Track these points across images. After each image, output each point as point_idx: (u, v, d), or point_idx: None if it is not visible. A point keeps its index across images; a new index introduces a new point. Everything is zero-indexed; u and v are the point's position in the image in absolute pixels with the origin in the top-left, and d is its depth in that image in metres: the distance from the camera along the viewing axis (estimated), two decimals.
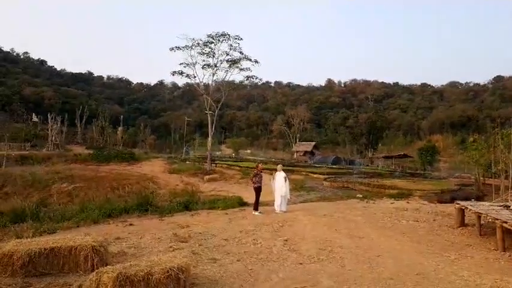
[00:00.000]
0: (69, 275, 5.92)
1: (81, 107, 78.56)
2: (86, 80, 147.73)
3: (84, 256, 6.11)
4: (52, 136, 56.76)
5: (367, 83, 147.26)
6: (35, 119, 70.37)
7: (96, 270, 4.99)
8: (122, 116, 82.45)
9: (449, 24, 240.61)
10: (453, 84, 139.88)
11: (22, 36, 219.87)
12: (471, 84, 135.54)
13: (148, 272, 4.88)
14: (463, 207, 10.77)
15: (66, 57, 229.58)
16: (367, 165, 51.16)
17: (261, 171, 14.55)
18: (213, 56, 35.39)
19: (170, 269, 5.04)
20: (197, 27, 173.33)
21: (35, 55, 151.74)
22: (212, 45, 34.92)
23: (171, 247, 8.04)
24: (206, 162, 35.92)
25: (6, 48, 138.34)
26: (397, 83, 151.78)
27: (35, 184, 27.15)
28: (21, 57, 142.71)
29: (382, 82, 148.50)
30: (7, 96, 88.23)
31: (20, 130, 59.51)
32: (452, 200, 14.80)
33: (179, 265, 5.18)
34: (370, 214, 13.22)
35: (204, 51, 35.12)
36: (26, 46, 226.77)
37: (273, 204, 14.15)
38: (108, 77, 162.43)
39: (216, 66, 35.79)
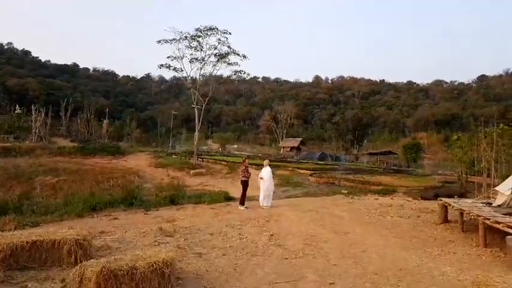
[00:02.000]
0: (51, 268, 5.84)
1: (66, 99, 77.25)
2: (71, 71, 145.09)
3: (67, 250, 6.03)
4: (36, 128, 55.72)
5: (354, 80, 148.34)
6: (18, 110, 68.90)
7: (80, 264, 4.94)
8: (107, 109, 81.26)
9: (436, 24, 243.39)
10: (438, 83, 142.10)
11: (5, 26, 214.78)
12: (456, 83, 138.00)
13: (133, 266, 4.84)
14: (446, 204, 10.95)
15: (51, 48, 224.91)
16: (353, 162, 51.64)
17: (248, 166, 14.54)
18: (201, 50, 35.20)
19: (155, 263, 5.00)
20: (185, 20, 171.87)
21: (18, 45, 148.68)
22: (200, 39, 34.71)
23: (156, 241, 7.99)
24: (193, 157, 35.77)
25: None
26: (384, 80, 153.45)
27: (18, 177, 26.65)
28: (5, 47, 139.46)
29: (369, 79, 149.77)
30: None
31: (3, 122, 58.33)
32: (435, 197, 15.04)
33: (164, 259, 5.15)
34: (355, 210, 13.34)
35: (191, 44, 34.91)
36: (10, 36, 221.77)
37: (259, 199, 14.19)
38: (94, 69, 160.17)
39: (203, 60, 35.61)
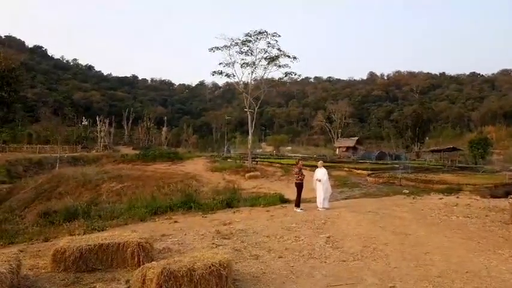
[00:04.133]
0: (117, 270, 6.14)
1: (127, 109, 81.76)
2: (130, 83, 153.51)
3: (131, 252, 6.30)
4: (101, 138, 59.59)
5: (411, 75, 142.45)
6: (84, 122, 74.01)
7: (142, 266, 5.15)
8: (165, 117, 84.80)
9: (498, 7, 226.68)
10: (505, 72, 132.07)
11: (71, 43, 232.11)
12: None
13: (192, 267, 4.96)
14: None
15: (112, 62, 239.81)
16: (414, 160, 49.47)
17: (302, 168, 14.42)
18: (252, 54, 35.49)
19: (212, 264, 5.09)
20: (235, 25, 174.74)
21: (83, 61, 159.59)
22: (250, 44, 35.01)
23: (213, 244, 8.15)
24: (247, 160, 36.16)
25: (56, 56, 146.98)
26: (444, 73, 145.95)
27: (86, 184, 28.48)
28: (71, 63, 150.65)
29: (428, 73, 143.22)
30: (59, 102, 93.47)
31: (71, 133, 62.80)
32: (506, 195, 13.97)
33: (221, 261, 5.23)
34: (417, 210, 12.75)
35: (242, 50, 35.32)
36: (75, 53, 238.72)
37: (315, 201, 14.01)
38: (152, 80, 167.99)
39: (254, 64, 35.85)
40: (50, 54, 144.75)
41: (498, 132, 68.89)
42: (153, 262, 5.33)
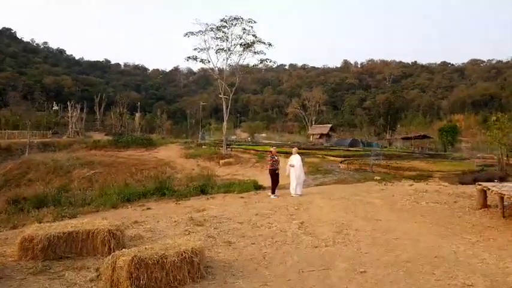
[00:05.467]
0: (87, 258, 6.03)
1: (99, 94, 79.72)
2: (103, 67, 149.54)
3: (101, 240, 6.19)
4: (72, 123, 57.96)
5: (384, 63, 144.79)
6: (55, 107, 71.80)
7: (112, 254, 5.05)
8: (139, 103, 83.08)
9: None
10: (474, 62, 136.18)
11: (41, 26, 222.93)
12: (493, 62, 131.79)
13: (163, 255, 4.92)
14: (485, 188, 10.47)
15: (84, 45, 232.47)
16: (385, 147, 50.51)
17: (276, 155, 14.41)
18: (227, 40, 35.15)
19: (184, 252, 5.07)
20: (211, 10, 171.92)
21: (53, 45, 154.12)
22: (225, 30, 34.64)
23: (186, 230, 8.08)
24: (222, 147, 36.03)
25: (26, 39, 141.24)
26: (416, 62, 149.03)
27: (57, 170, 27.76)
28: (41, 47, 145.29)
29: (400, 62, 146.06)
30: (28, 86, 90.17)
31: (42, 118, 60.84)
32: (474, 181, 14.42)
33: (193, 248, 5.21)
34: (388, 196, 13.00)
35: (217, 35, 34.91)
36: (45, 36, 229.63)
37: (289, 188, 14.10)
38: (125, 64, 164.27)
39: (229, 50, 35.55)
40: (19, 37, 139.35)
41: (466, 120, 71.03)
42: (123, 250, 5.22)
